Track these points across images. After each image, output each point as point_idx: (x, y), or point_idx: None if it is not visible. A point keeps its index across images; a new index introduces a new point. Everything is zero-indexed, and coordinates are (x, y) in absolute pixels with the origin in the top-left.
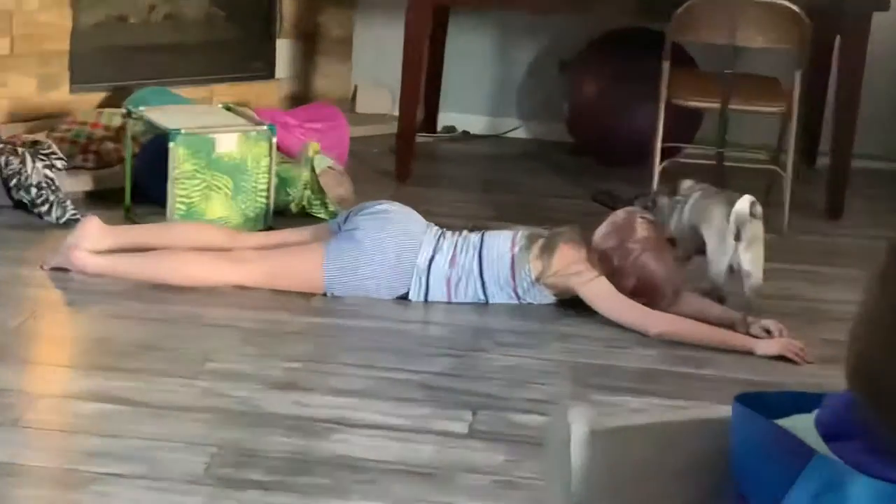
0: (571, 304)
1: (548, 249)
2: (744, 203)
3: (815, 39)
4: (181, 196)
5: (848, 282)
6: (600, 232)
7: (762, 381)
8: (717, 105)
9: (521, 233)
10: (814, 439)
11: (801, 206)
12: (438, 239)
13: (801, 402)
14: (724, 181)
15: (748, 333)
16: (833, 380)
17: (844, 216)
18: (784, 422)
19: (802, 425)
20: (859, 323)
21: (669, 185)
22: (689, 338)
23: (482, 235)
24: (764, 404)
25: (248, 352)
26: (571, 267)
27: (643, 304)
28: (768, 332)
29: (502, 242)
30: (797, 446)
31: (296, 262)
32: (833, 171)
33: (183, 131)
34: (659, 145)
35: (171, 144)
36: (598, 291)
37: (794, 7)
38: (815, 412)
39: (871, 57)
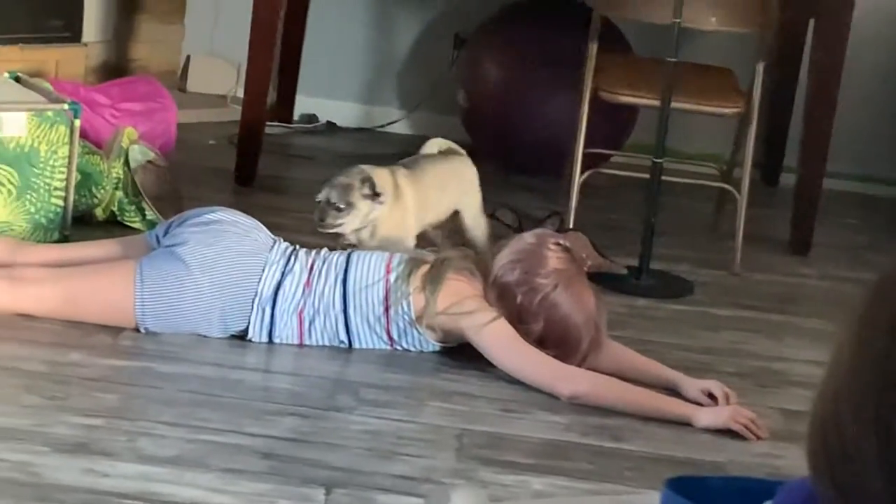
0: (459, 353)
1: (433, 280)
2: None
3: (783, 23)
4: None
5: (814, 336)
6: (501, 260)
7: (701, 461)
8: (655, 102)
9: (400, 256)
10: None
11: (757, 237)
12: (289, 259)
13: (748, 490)
14: (660, 200)
15: (685, 398)
16: (790, 461)
17: (812, 251)
18: None
19: None
20: (827, 388)
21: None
22: (611, 401)
23: (348, 256)
24: (702, 492)
25: (31, 402)
26: (463, 304)
27: (553, 355)
28: (711, 397)
29: (374, 267)
30: None
31: (99, 286)
32: (800, 193)
33: None
34: (580, 151)
35: None
36: (496, 337)
37: None
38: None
39: (848, 50)
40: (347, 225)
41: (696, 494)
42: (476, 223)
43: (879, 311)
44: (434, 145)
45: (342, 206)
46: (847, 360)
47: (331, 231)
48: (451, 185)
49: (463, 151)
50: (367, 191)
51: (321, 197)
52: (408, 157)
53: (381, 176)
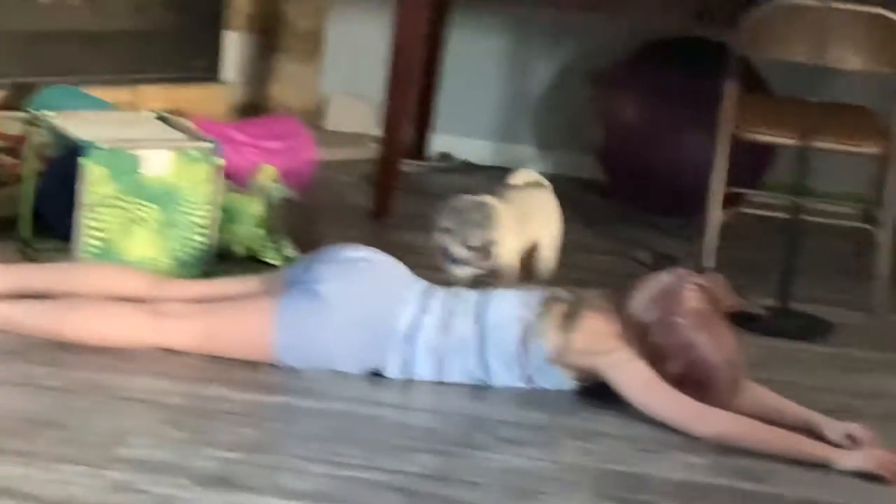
0: (596, 392)
1: (570, 319)
2: None
3: None
4: (95, 229)
5: None
6: (639, 300)
7: None
8: (795, 141)
9: (537, 295)
10: None
11: None
12: (427, 297)
13: None
14: (800, 239)
15: (826, 440)
16: None
17: None
18: None
19: None
20: None
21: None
22: (750, 442)
23: (485, 296)
24: None
25: (173, 436)
26: (600, 343)
27: (691, 395)
28: (853, 439)
29: (511, 306)
30: None
31: (240, 321)
32: None
33: (100, 145)
34: (718, 190)
35: (83, 161)
36: (633, 377)
37: None
38: None
39: None
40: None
41: None
42: (548, 256)
43: None
44: (521, 177)
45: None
46: None
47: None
48: (535, 217)
49: (547, 184)
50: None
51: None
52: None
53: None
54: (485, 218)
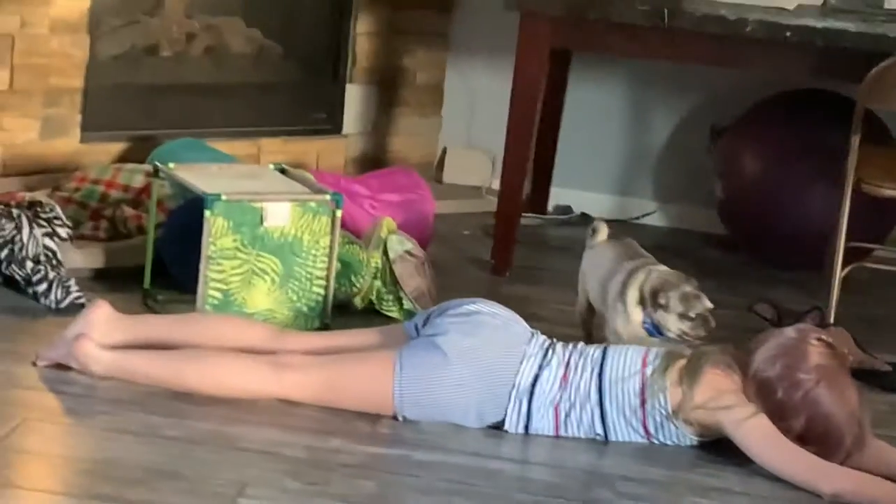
0: (717, 447)
1: (691, 374)
2: None
3: None
4: (216, 280)
5: None
6: (762, 355)
7: None
8: None
9: (656, 350)
10: None
11: None
12: (546, 352)
13: None
14: None
15: None
16: None
17: None
18: None
19: None
20: None
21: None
22: (876, 501)
23: (604, 350)
24: None
25: (293, 487)
26: (721, 398)
27: (814, 452)
28: None
29: (630, 361)
30: None
31: (359, 373)
32: None
33: (223, 197)
34: (842, 244)
35: (206, 213)
36: (756, 432)
37: None
38: None
39: None
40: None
41: None
42: None
43: None
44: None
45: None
46: None
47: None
48: None
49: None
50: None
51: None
52: (650, 250)
53: None
54: (696, 287)
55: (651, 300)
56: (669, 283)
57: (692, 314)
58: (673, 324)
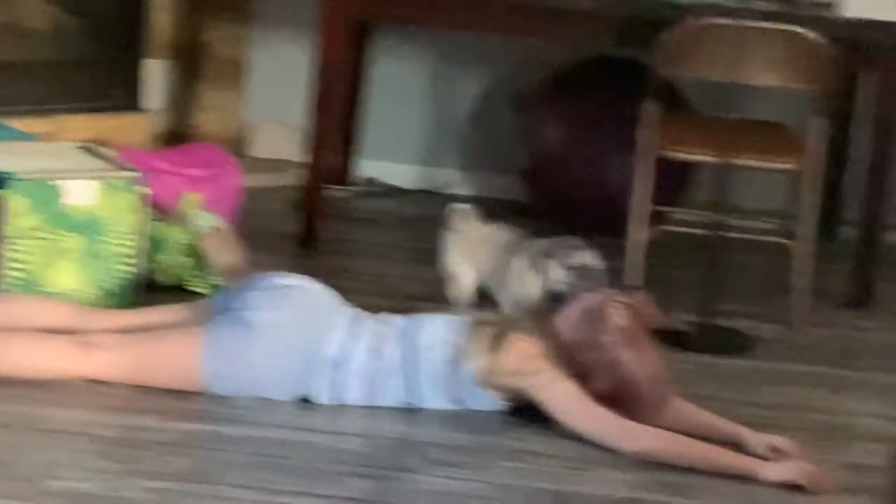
0: (524, 412)
1: (497, 340)
2: None
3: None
4: (16, 261)
5: (878, 389)
6: (565, 320)
7: None
8: (715, 159)
9: (464, 318)
10: None
11: (819, 291)
12: (355, 322)
13: None
14: (721, 256)
15: (750, 453)
16: None
17: (873, 304)
18: None
19: None
20: None
21: None
22: (677, 458)
23: (413, 320)
24: None
25: (103, 467)
26: (527, 364)
27: (617, 413)
28: (776, 451)
29: (439, 330)
30: None
31: (168, 351)
32: (861, 246)
33: (19, 176)
34: (640, 209)
35: (3, 193)
36: (561, 396)
37: (818, 37)
38: None
39: None
40: None
41: None
42: None
43: None
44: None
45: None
46: None
47: None
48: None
49: None
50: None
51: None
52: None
53: None
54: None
55: (542, 258)
56: (557, 242)
57: (572, 264)
58: (556, 273)
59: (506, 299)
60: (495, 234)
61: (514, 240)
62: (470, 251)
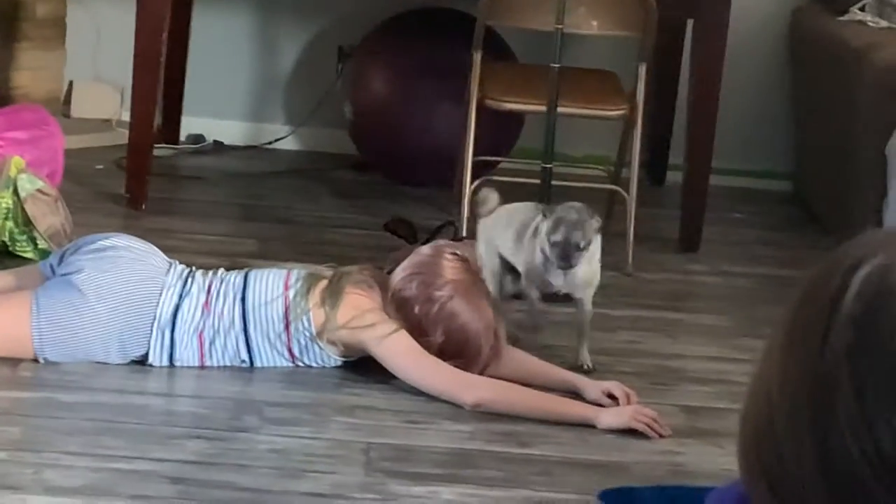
0: (361, 366)
1: (332, 294)
2: None
3: (661, 24)
4: None
5: (708, 332)
6: (399, 273)
7: (606, 462)
8: (541, 108)
9: (297, 272)
10: None
11: (648, 237)
12: (186, 281)
13: (679, 498)
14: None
15: (586, 399)
16: (692, 457)
17: (701, 248)
18: None
19: None
20: (758, 391)
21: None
22: (514, 407)
23: (245, 276)
24: (634, 502)
25: None
26: (363, 317)
27: (454, 365)
28: (612, 397)
29: (272, 285)
30: None
31: None
32: (687, 191)
33: None
34: (469, 159)
35: None
36: (397, 349)
37: None
38: None
39: (728, 48)
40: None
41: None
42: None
43: (809, 311)
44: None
45: (582, 245)
46: (778, 363)
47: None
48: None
49: None
50: (597, 224)
51: (560, 237)
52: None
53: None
54: (581, 217)
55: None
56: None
57: (553, 239)
58: (542, 244)
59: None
60: (516, 213)
61: (532, 215)
62: (493, 236)
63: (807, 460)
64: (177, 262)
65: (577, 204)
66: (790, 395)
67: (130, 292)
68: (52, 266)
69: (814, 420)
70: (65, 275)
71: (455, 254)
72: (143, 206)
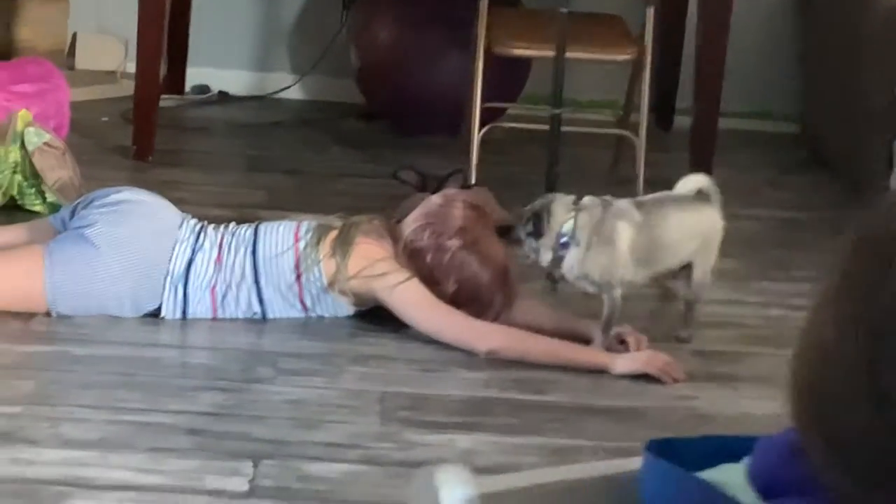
0: (374, 316)
1: (343, 244)
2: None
3: None
4: None
5: (721, 275)
6: (410, 223)
7: (622, 407)
8: (549, 53)
9: (308, 223)
10: (749, 497)
11: (657, 181)
12: (199, 235)
13: (727, 448)
14: (560, 150)
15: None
16: (708, 401)
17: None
18: (710, 475)
19: (733, 479)
20: (809, 346)
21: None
22: (528, 354)
23: (256, 228)
24: (681, 453)
25: None
26: (374, 267)
27: (467, 313)
28: (623, 343)
29: (283, 236)
30: None
31: (7, 272)
32: (696, 134)
33: None
34: (477, 106)
35: None
36: (409, 298)
37: None
38: (746, 461)
39: None
40: (541, 257)
41: (675, 455)
42: (702, 282)
43: (864, 258)
44: (691, 183)
45: (522, 237)
46: (832, 312)
47: (528, 259)
48: (692, 237)
49: (718, 198)
50: (529, 228)
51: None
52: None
53: (562, 213)
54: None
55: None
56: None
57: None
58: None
59: None
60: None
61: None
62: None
63: (862, 410)
64: (189, 216)
65: (548, 199)
66: (844, 345)
67: (144, 247)
68: (63, 220)
69: (870, 370)
70: (77, 228)
71: (466, 202)
72: (151, 159)
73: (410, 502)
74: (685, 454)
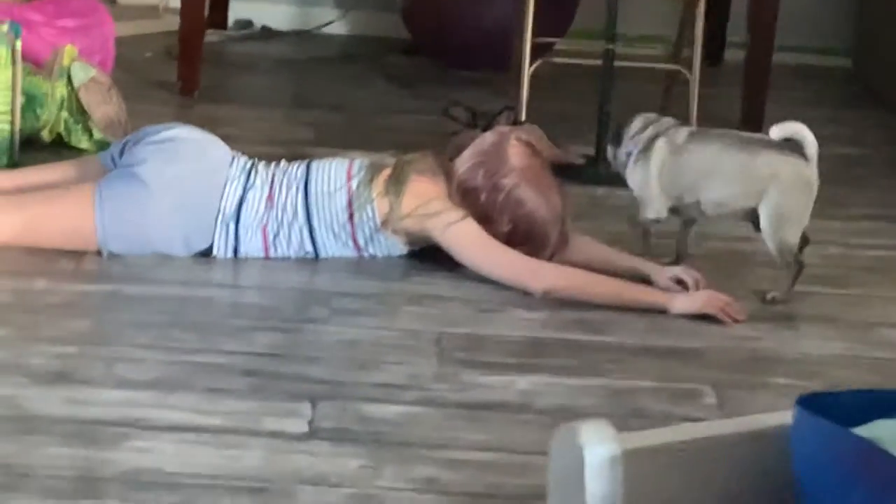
0: (428, 256)
1: (396, 183)
2: None
3: None
4: None
5: None
6: (464, 162)
7: (680, 348)
8: None
9: (360, 161)
10: None
11: (708, 117)
12: (250, 173)
13: (882, 401)
14: (612, 86)
15: (656, 285)
16: (769, 343)
17: (764, 127)
18: (864, 430)
19: (889, 434)
20: None
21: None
22: (585, 294)
23: (307, 166)
24: (834, 407)
25: (2, 333)
26: (428, 205)
27: (522, 252)
28: (681, 282)
29: (335, 175)
30: (888, 464)
31: (57, 210)
32: (749, 69)
33: None
34: (527, 41)
35: None
36: (464, 237)
37: None
38: None
39: None
40: (617, 164)
41: (828, 410)
42: (769, 234)
43: None
44: (783, 130)
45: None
46: None
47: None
48: (743, 180)
49: (813, 151)
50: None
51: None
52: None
53: (638, 125)
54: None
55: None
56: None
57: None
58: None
59: None
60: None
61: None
62: None
63: None
64: (240, 154)
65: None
66: None
67: (195, 185)
68: (113, 157)
69: None
70: (128, 166)
71: (519, 139)
72: (196, 94)
73: (552, 459)
74: (835, 409)
